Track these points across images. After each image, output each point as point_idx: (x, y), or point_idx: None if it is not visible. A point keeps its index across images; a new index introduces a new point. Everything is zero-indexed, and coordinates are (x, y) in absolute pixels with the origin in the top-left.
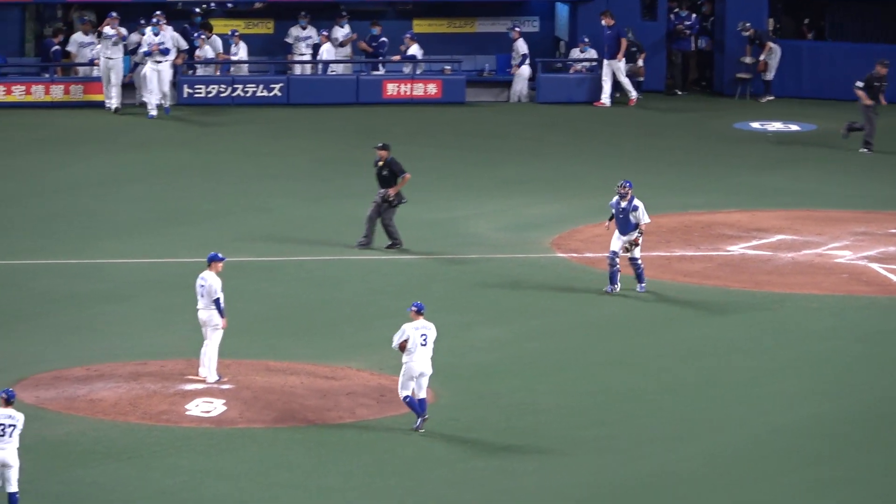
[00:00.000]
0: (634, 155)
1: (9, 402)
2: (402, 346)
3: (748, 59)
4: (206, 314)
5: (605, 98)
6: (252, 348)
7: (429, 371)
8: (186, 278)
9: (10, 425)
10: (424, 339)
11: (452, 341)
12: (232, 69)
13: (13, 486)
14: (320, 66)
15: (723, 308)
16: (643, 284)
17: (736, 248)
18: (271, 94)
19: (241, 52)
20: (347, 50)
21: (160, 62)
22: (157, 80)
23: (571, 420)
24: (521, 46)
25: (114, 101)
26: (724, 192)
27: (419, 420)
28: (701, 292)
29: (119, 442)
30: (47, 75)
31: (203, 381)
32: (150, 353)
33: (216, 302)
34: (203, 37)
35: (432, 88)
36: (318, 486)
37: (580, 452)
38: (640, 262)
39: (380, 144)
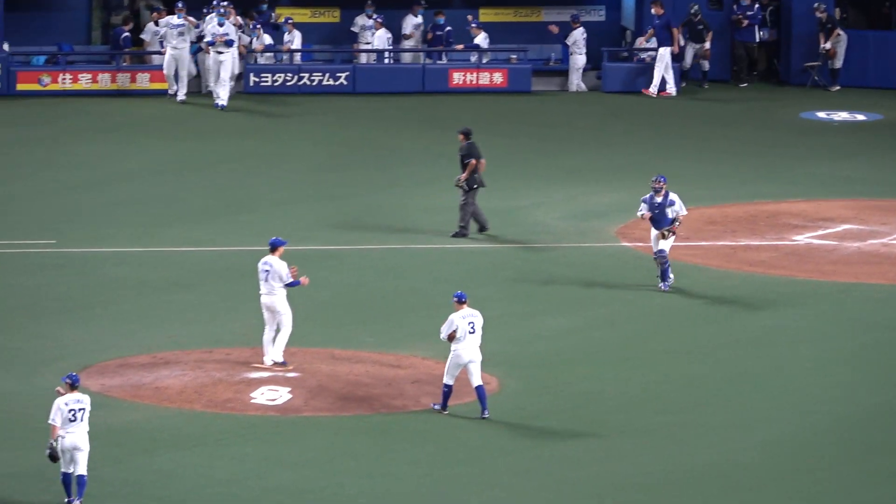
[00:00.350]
0: (700, 144)
1: (74, 386)
2: (452, 336)
3: (826, 45)
4: (270, 299)
5: (653, 88)
6: (317, 336)
7: (478, 358)
8: (253, 266)
9: (80, 409)
10: (472, 327)
11: (518, 330)
12: (286, 58)
13: (82, 469)
14: (386, 54)
15: (788, 298)
16: (668, 282)
17: (801, 238)
18: (337, 83)
19: (295, 40)
20: (412, 39)
21: (222, 52)
22: (218, 70)
23: (635, 409)
24: (576, 35)
25: (180, 92)
26: (790, 182)
27: (437, 406)
28: (766, 282)
29: (184, 430)
30: (114, 63)
31: (269, 370)
32: (215, 340)
33: (289, 284)
34: (286, 30)
35: (498, 78)
36: (382, 473)
37: (644, 441)
38: (666, 255)
39: (460, 129)
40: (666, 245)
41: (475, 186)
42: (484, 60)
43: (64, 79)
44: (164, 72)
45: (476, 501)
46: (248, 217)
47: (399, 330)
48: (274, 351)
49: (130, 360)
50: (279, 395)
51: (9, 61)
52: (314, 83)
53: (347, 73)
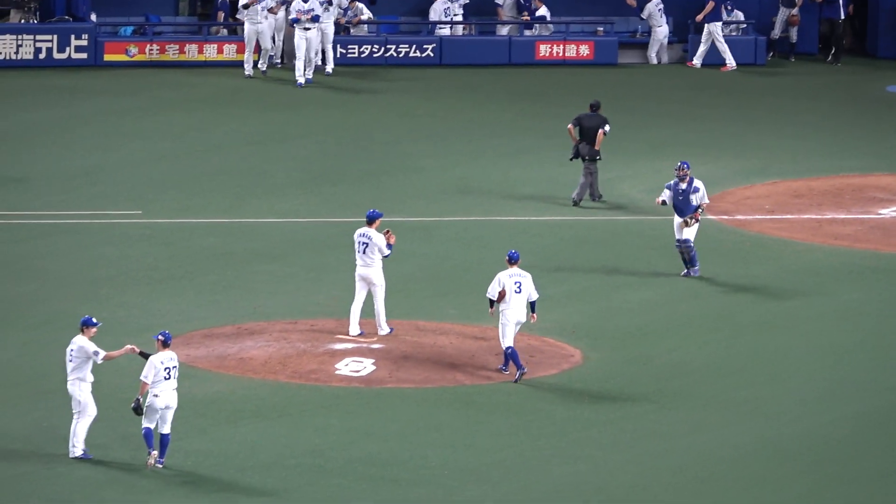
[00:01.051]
0: (786, 117)
1: (166, 344)
2: (502, 296)
3: None
4: (367, 271)
5: (697, 60)
6: (402, 308)
7: (524, 319)
8: (338, 238)
9: (173, 367)
10: (518, 287)
11: (602, 303)
12: (353, 31)
13: (167, 428)
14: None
15: (873, 271)
16: (696, 268)
17: (887, 212)
18: (423, 54)
19: (362, 12)
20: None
21: (308, 29)
22: (304, 48)
23: (722, 381)
24: (650, 8)
25: (261, 64)
26: (877, 156)
27: (518, 373)
28: (851, 255)
29: (268, 401)
30: (203, 34)
31: (353, 341)
32: (300, 312)
33: (387, 255)
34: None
35: (584, 50)
36: (466, 445)
37: (730, 414)
38: (692, 244)
39: (592, 102)
40: (690, 233)
41: (598, 158)
42: (545, 33)
43: (151, 49)
44: (246, 45)
45: (560, 474)
46: (333, 189)
47: (483, 302)
48: (378, 325)
49: (215, 330)
50: (363, 366)
51: (96, 32)
52: (400, 55)
53: (434, 45)
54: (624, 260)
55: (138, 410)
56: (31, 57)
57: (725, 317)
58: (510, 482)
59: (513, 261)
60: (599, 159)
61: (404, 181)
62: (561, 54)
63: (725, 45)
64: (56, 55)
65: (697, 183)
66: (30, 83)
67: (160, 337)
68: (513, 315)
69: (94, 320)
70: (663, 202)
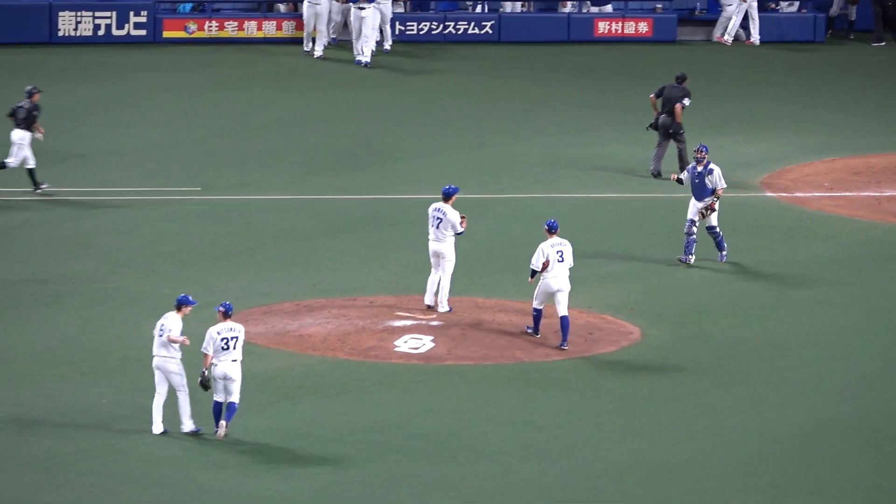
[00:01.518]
0: (845, 94)
1: (227, 314)
2: (545, 265)
3: None
4: (439, 245)
5: (728, 35)
6: (461, 285)
7: (566, 287)
8: (398, 215)
9: (232, 338)
10: (561, 256)
11: (662, 280)
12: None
13: (235, 398)
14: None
15: None
16: (724, 253)
17: None
18: (482, 31)
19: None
20: None
21: (364, 8)
22: (359, 27)
23: (781, 359)
24: None
25: (318, 49)
26: None
27: (563, 340)
28: None
29: (327, 377)
30: (260, 12)
31: (412, 317)
32: (359, 289)
33: (459, 233)
34: None
35: (643, 27)
36: (525, 422)
37: (790, 391)
38: (717, 229)
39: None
40: (713, 220)
41: (681, 131)
42: (594, 9)
43: (210, 26)
44: (305, 26)
45: (619, 451)
46: (393, 166)
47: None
48: (440, 301)
49: (275, 307)
50: (422, 343)
51: (156, 9)
52: (459, 32)
53: (492, 22)
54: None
55: (205, 384)
56: (90, 34)
57: (784, 294)
58: (569, 460)
59: (553, 230)
60: (682, 132)
61: (464, 158)
62: (620, 31)
63: (757, 19)
64: (115, 32)
65: (713, 166)
66: (89, 60)
67: (221, 308)
68: (555, 283)
69: (191, 299)
70: (679, 180)
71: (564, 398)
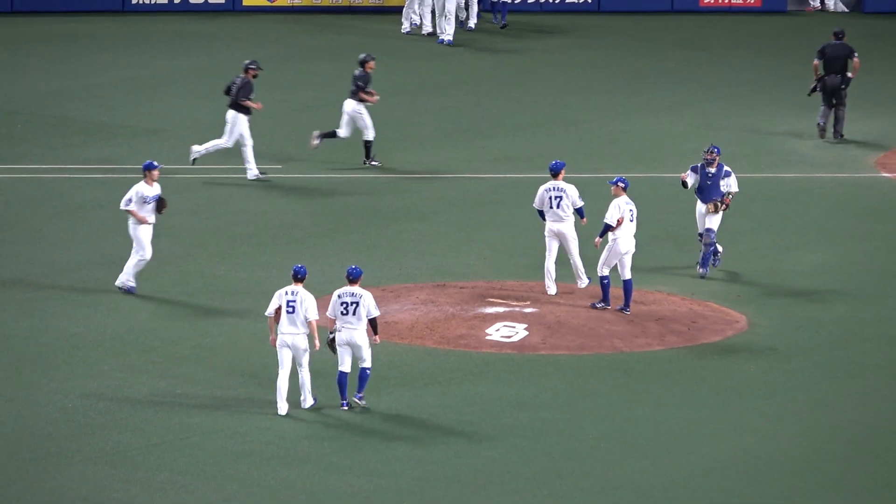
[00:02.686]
0: None
1: (350, 279)
2: (620, 222)
3: None
4: (559, 226)
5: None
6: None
7: (633, 249)
8: (489, 195)
9: (352, 303)
10: (632, 216)
11: (772, 264)
12: None
13: (366, 363)
14: None
15: None
16: (706, 270)
17: None
18: (581, 1)
19: None
20: None
21: None
22: (442, 4)
23: None
24: None
25: (405, 24)
26: None
27: (625, 305)
28: None
29: (415, 367)
30: None
31: (505, 304)
32: (449, 273)
33: (579, 209)
34: None
35: None
36: (624, 417)
37: None
38: (715, 235)
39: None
40: (714, 222)
41: (843, 87)
42: None
43: None
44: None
45: (724, 448)
46: (484, 142)
47: (643, 263)
48: (578, 276)
49: None
50: (515, 331)
51: None
52: (556, 1)
53: None
54: (793, 219)
55: (332, 345)
56: (165, 1)
57: None
58: (672, 457)
59: (625, 186)
60: (844, 88)
61: (560, 135)
62: (727, 1)
63: None
64: (193, 0)
65: (728, 168)
66: (165, 29)
67: (347, 274)
68: (624, 245)
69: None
70: (684, 184)
71: (666, 391)
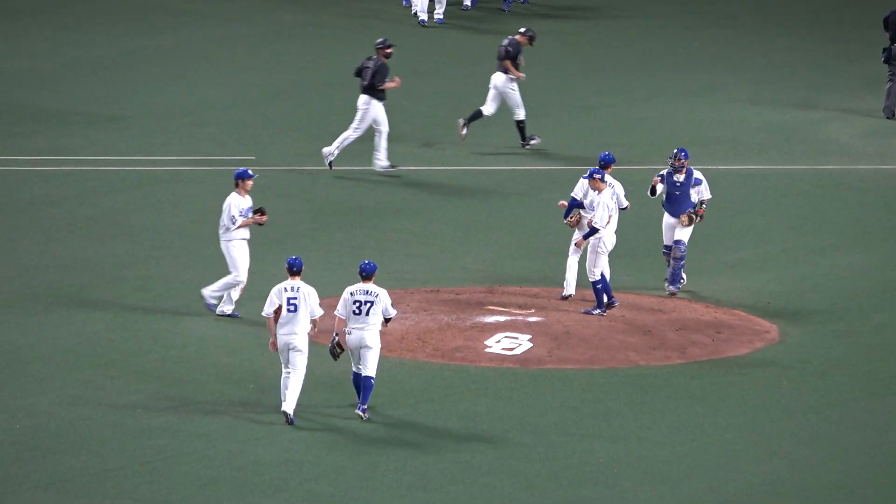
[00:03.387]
0: None
1: (366, 276)
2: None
3: None
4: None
5: None
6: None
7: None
8: (490, 190)
9: (366, 302)
10: (616, 205)
11: (804, 268)
12: None
13: (370, 371)
14: None
15: None
16: (677, 285)
17: None
18: None
19: None
20: None
21: None
22: None
23: None
24: None
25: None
26: None
27: (607, 304)
28: None
29: (405, 383)
30: None
31: (508, 313)
32: (443, 278)
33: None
34: None
35: None
36: (639, 438)
37: None
38: (684, 248)
39: None
40: (685, 234)
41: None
42: None
43: None
44: None
45: (752, 473)
46: (485, 130)
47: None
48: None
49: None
50: (518, 343)
51: None
52: None
53: None
54: (830, 217)
55: (334, 351)
56: None
57: None
58: (693, 482)
59: (603, 178)
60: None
61: (569, 122)
62: None
63: None
64: None
65: (699, 175)
66: (129, 4)
67: (360, 269)
68: (610, 243)
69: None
70: (653, 190)
71: (687, 409)
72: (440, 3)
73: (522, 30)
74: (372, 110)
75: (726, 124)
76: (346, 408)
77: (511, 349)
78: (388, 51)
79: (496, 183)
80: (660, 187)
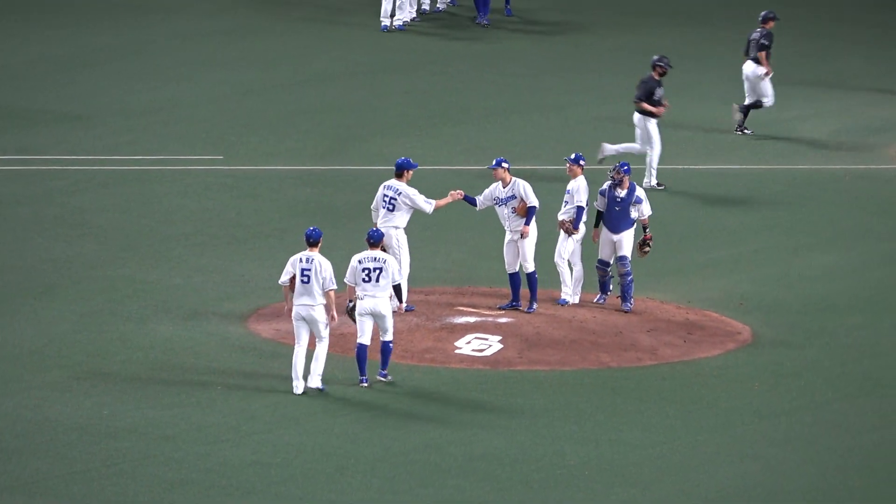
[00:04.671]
0: None
1: (374, 242)
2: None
3: None
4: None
5: None
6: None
7: None
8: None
9: (375, 269)
10: None
11: (778, 268)
12: None
13: (388, 336)
14: None
15: None
16: (629, 303)
17: None
18: None
19: None
20: None
21: None
22: None
23: None
24: None
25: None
26: None
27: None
28: None
29: (374, 386)
30: None
31: (477, 314)
32: (413, 278)
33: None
34: None
35: None
36: (611, 440)
37: None
38: (629, 265)
39: None
40: (627, 249)
41: None
42: None
43: None
44: None
45: (724, 476)
46: (454, 129)
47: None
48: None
49: None
50: (488, 344)
51: None
52: None
53: None
54: (803, 217)
55: (352, 313)
56: None
57: None
58: (664, 485)
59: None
60: None
61: (540, 121)
62: None
63: None
64: None
65: (640, 193)
66: (95, 1)
67: (367, 236)
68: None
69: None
70: (596, 212)
71: (659, 411)
72: (401, 9)
73: (764, 13)
74: (645, 128)
75: (698, 122)
76: (315, 412)
77: (481, 350)
78: (663, 69)
79: (466, 183)
80: (600, 200)
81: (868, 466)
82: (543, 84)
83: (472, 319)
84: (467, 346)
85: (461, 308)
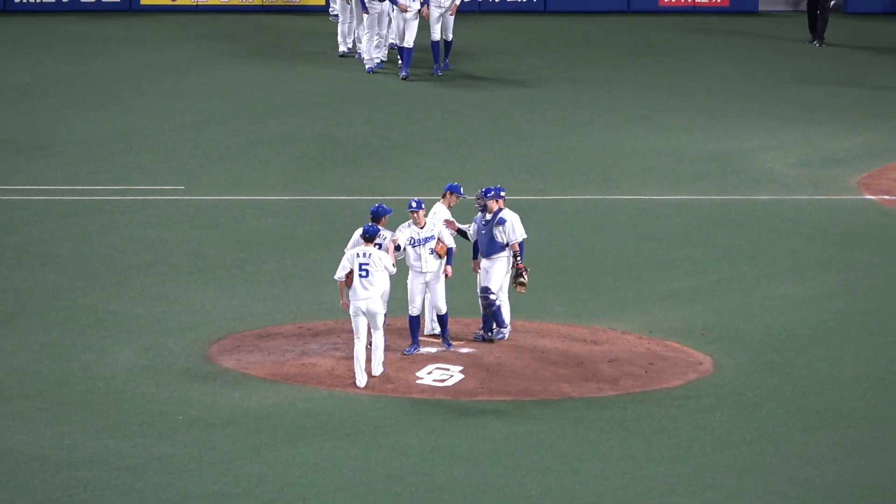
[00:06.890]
0: None
1: (366, 237)
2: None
3: None
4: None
5: None
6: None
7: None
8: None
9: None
10: None
11: (739, 298)
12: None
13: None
14: None
15: None
16: (505, 330)
17: None
18: (526, 0)
19: None
20: None
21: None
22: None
23: (880, 396)
24: None
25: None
26: None
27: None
28: None
29: (335, 416)
30: None
31: (437, 343)
32: None
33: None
34: None
35: None
36: (572, 471)
37: (890, 435)
38: (492, 295)
39: None
40: (494, 282)
41: None
42: None
43: None
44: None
45: None
46: (416, 160)
47: (595, 298)
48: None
49: (272, 329)
50: (450, 374)
51: None
52: (498, 1)
53: None
54: (764, 247)
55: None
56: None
57: (886, 317)
58: None
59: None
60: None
61: (501, 151)
62: (691, 0)
63: None
64: None
65: (506, 214)
66: (54, 31)
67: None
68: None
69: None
70: (461, 231)
71: (620, 441)
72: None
73: None
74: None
75: (660, 153)
76: (277, 442)
77: (442, 381)
78: None
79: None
80: (472, 226)
81: (829, 498)
82: (504, 113)
83: (433, 350)
84: (428, 376)
85: (423, 338)
